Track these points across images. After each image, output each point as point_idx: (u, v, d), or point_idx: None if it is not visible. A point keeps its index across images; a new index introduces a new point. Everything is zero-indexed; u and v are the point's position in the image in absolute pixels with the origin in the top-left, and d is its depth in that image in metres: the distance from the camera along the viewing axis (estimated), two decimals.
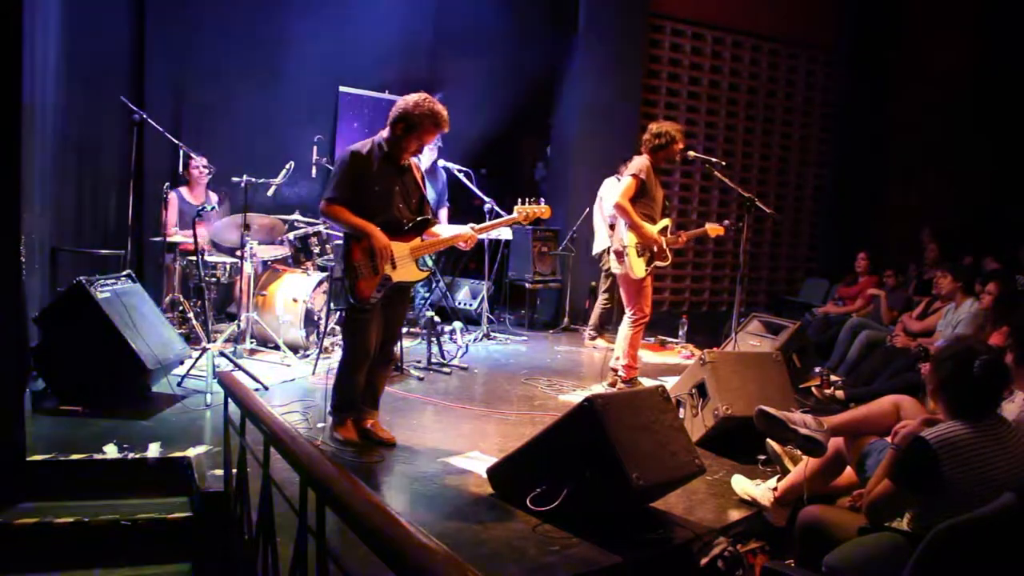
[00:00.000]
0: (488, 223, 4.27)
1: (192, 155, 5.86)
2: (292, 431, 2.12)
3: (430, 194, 6.79)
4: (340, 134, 7.64)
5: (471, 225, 4.11)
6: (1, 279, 3.09)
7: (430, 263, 6.78)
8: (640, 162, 5.14)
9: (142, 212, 6.33)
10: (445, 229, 4.12)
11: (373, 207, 3.77)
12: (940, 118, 8.92)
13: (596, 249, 7.12)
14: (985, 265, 6.79)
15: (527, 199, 4.28)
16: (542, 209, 4.24)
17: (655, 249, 5.09)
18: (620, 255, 5.13)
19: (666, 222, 5.23)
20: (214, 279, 5.81)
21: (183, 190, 6.18)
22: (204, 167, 6.11)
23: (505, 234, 7.53)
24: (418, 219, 3.91)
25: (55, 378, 4.14)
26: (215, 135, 6.81)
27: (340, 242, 4.48)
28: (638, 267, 5.06)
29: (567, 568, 2.78)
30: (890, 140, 9.63)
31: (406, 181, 3.91)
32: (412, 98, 3.76)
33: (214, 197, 6.31)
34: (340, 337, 5.99)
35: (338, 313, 5.97)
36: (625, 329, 5.21)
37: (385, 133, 3.84)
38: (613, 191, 5.20)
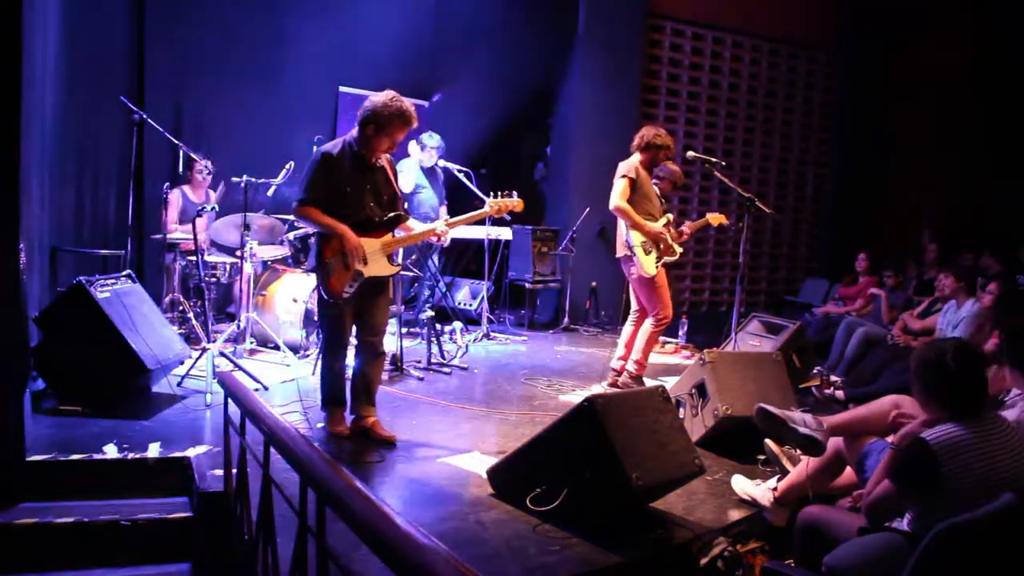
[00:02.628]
0: (460, 217, 4.31)
1: (194, 157, 5.85)
2: (292, 431, 2.11)
3: (429, 194, 6.84)
4: (340, 134, 7.59)
5: (444, 219, 4.22)
6: (1, 279, 3.09)
7: (437, 261, 6.83)
8: (628, 163, 5.17)
9: (142, 212, 6.33)
10: (418, 225, 4.20)
11: (345, 207, 3.84)
12: (940, 118, 8.91)
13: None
14: (985, 266, 6.78)
15: (499, 192, 4.38)
16: (514, 202, 4.36)
17: (661, 245, 5.11)
18: (628, 259, 5.15)
19: (666, 218, 5.24)
20: (214, 279, 5.81)
21: (186, 188, 6.18)
22: (205, 170, 6.12)
23: (505, 234, 7.53)
24: (389, 215, 3.99)
25: (55, 378, 4.14)
26: (215, 135, 6.81)
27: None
28: (648, 265, 5.07)
29: (567, 568, 2.78)
30: (890, 140, 9.63)
31: (376, 180, 3.98)
32: (380, 98, 3.81)
33: (214, 196, 6.31)
34: None
35: None
36: (647, 327, 5.21)
37: (355, 133, 3.89)
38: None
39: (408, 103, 3.83)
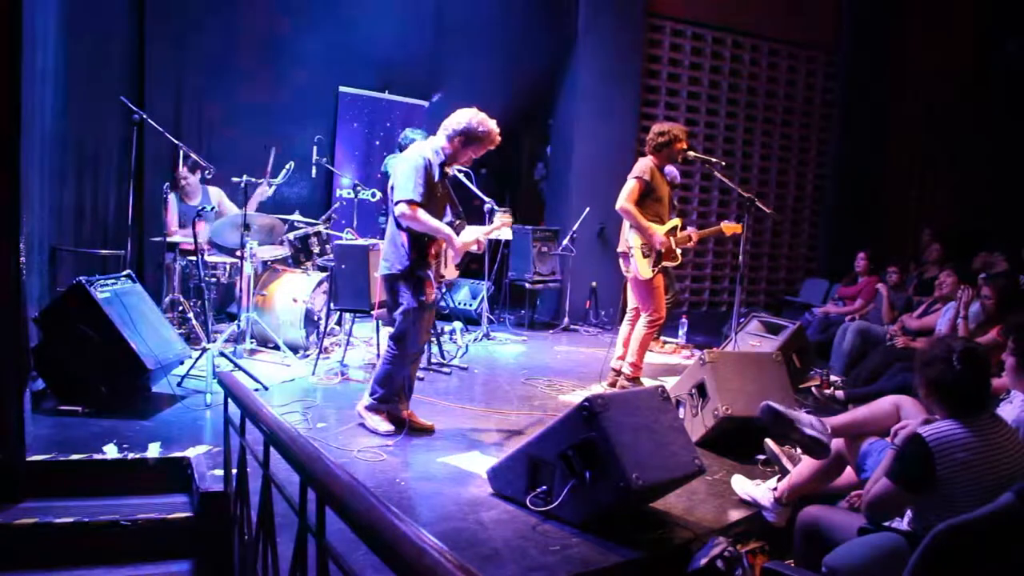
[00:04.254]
0: (487, 229, 4.54)
1: (193, 156, 5.83)
2: (292, 431, 2.11)
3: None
4: (340, 134, 7.65)
5: (483, 230, 4.40)
6: (1, 279, 3.09)
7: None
8: (643, 164, 5.15)
9: (142, 212, 6.33)
10: (467, 233, 4.26)
11: (435, 212, 3.98)
12: (940, 118, 8.91)
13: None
14: (992, 263, 6.78)
15: (498, 208, 4.73)
16: (507, 219, 4.69)
17: (662, 250, 5.09)
18: (626, 257, 5.15)
19: (675, 222, 5.22)
20: (214, 279, 5.81)
21: (179, 192, 6.17)
22: (184, 177, 6.08)
23: (505, 234, 7.53)
24: (458, 223, 4.16)
25: (55, 378, 4.14)
26: (215, 135, 6.81)
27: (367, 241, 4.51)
28: (644, 268, 5.06)
29: (567, 568, 2.78)
30: (890, 140, 9.62)
31: (449, 189, 4.15)
32: (473, 115, 4.00)
33: (213, 195, 6.29)
34: (338, 337, 6.00)
35: (338, 313, 5.97)
36: (640, 329, 5.22)
37: (442, 143, 4.03)
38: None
39: (495, 124, 4.03)
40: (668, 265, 5.19)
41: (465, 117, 4.00)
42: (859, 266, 7.44)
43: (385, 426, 4.08)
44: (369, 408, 4.13)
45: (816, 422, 3.11)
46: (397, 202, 3.88)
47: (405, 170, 3.93)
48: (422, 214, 3.86)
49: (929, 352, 2.58)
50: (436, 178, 3.97)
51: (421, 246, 3.96)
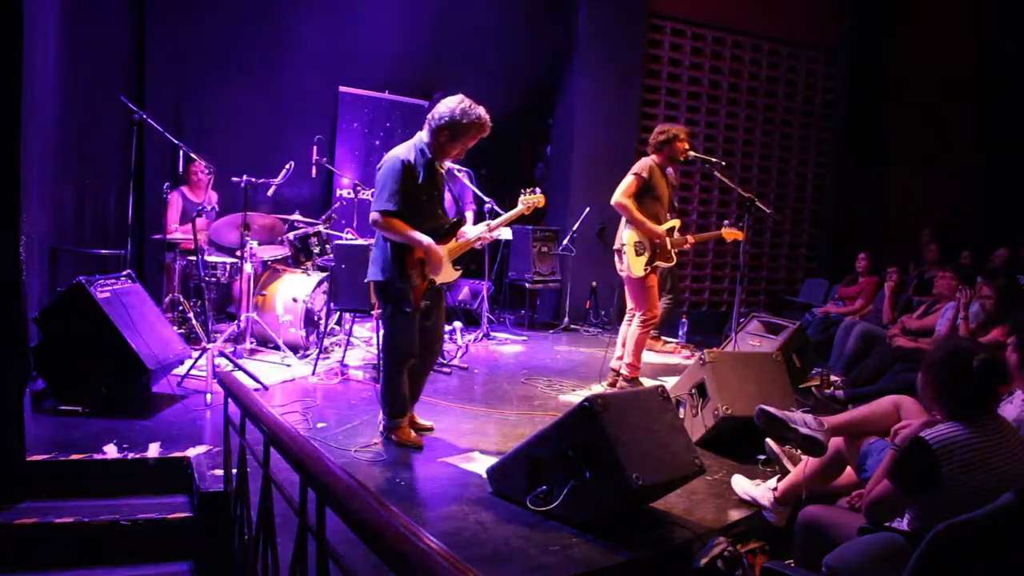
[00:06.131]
0: (499, 219, 4.29)
1: (194, 157, 5.83)
2: (292, 431, 2.11)
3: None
4: (340, 134, 7.65)
5: (487, 223, 4.22)
6: (1, 279, 3.09)
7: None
8: (643, 162, 5.16)
9: (142, 212, 6.33)
10: (469, 229, 4.14)
11: (421, 215, 3.79)
12: (940, 118, 8.91)
13: None
14: (993, 259, 6.79)
15: (524, 189, 4.37)
16: (538, 199, 4.32)
17: (657, 249, 5.08)
18: (620, 254, 5.14)
19: (674, 223, 5.22)
20: (214, 279, 5.81)
21: (185, 189, 6.18)
22: (205, 170, 6.12)
23: (505, 234, 7.53)
24: (453, 221, 3.99)
25: (55, 378, 4.13)
26: (215, 135, 6.81)
27: (358, 244, 4.41)
28: (636, 266, 5.06)
29: (567, 568, 2.78)
30: (890, 140, 9.62)
31: (439, 185, 3.95)
32: (456, 105, 3.73)
33: (214, 197, 6.30)
34: (338, 337, 6.00)
35: (338, 313, 5.97)
36: (635, 329, 5.21)
37: (426, 138, 3.82)
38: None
39: (483, 110, 3.78)
40: (661, 265, 5.17)
41: (447, 108, 3.72)
42: (859, 266, 7.44)
43: (410, 439, 4.00)
44: (387, 428, 4.02)
45: (811, 420, 3.11)
46: (372, 211, 3.76)
47: (380, 177, 3.77)
48: (396, 224, 3.70)
49: (938, 354, 2.55)
50: (420, 179, 3.76)
51: (402, 256, 3.77)
